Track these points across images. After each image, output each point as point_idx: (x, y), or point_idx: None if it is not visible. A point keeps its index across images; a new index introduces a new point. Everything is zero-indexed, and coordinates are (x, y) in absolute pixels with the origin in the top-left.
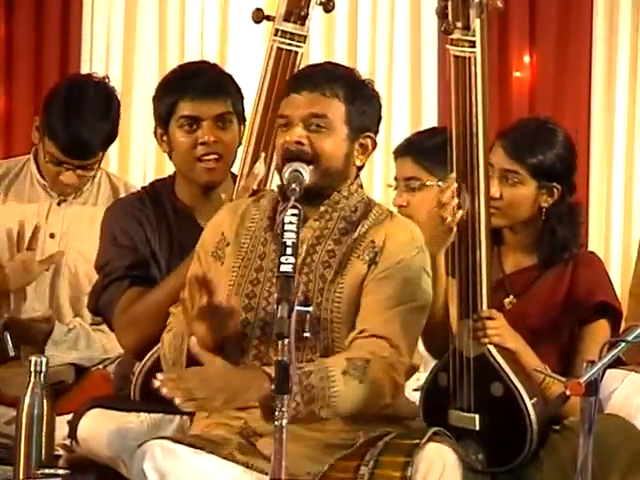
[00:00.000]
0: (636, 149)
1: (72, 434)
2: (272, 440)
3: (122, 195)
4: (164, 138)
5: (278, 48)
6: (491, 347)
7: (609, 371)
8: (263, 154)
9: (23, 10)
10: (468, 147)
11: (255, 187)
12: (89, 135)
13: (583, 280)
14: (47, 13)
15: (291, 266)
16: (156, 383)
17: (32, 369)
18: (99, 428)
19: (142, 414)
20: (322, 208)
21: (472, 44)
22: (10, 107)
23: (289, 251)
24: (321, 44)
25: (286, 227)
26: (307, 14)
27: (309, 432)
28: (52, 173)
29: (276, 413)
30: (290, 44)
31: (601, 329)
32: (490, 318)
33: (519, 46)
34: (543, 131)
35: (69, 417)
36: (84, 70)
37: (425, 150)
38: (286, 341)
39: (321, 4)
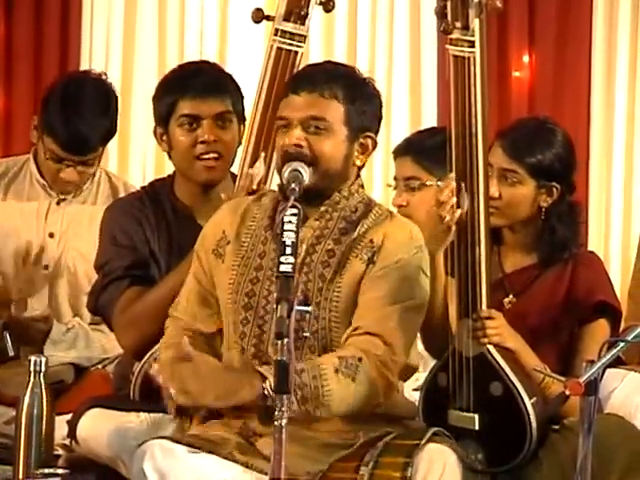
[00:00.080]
0: (636, 148)
1: (72, 434)
2: (271, 440)
3: (121, 194)
4: (164, 137)
5: (278, 48)
6: (490, 347)
7: (609, 371)
8: (263, 153)
9: (23, 10)
10: (467, 147)
11: (255, 187)
12: (88, 130)
13: (583, 280)
14: (47, 13)
15: (290, 266)
16: (153, 369)
17: (31, 369)
18: (99, 428)
19: (142, 414)
20: (322, 208)
21: (471, 44)
22: (10, 107)
23: (288, 251)
24: (321, 44)
25: (285, 227)
26: (307, 14)
27: (309, 432)
28: (53, 171)
29: (276, 413)
30: (290, 44)
31: (600, 329)
32: (489, 318)
33: (518, 46)
34: (542, 131)
35: (69, 417)
36: None
37: (425, 150)
38: (285, 341)
39: (321, 4)
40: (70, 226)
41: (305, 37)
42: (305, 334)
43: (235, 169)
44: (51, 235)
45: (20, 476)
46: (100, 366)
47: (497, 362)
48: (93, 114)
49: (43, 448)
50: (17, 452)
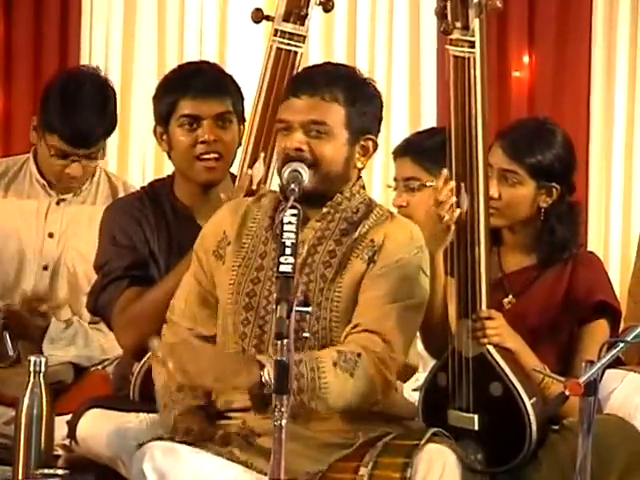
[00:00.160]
0: (635, 149)
1: (71, 434)
2: (271, 439)
3: (121, 194)
4: (164, 137)
5: (277, 48)
6: (490, 347)
7: (608, 371)
8: (262, 154)
9: (22, 10)
10: (467, 147)
11: (254, 187)
12: (91, 123)
13: (582, 280)
14: (46, 13)
15: (290, 266)
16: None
17: (31, 369)
18: (98, 428)
19: (141, 414)
20: (324, 210)
21: (471, 44)
22: (9, 107)
23: (288, 251)
24: (320, 44)
25: (285, 227)
26: (306, 14)
27: (308, 432)
28: (57, 169)
29: (275, 413)
30: (289, 44)
31: (600, 329)
32: (489, 318)
33: (518, 46)
34: (542, 131)
35: (68, 417)
36: None
37: (424, 150)
38: (285, 341)
39: (320, 4)
40: (70, 226)
41: (305, 37)
42: (305, 334)
43: (235, 169)
44: (51, 235)
45: (20, 476)
46: (100, 367)
47: (497, 362)
48: (94, 107)
49: (43, 448)
50: (17, 452)
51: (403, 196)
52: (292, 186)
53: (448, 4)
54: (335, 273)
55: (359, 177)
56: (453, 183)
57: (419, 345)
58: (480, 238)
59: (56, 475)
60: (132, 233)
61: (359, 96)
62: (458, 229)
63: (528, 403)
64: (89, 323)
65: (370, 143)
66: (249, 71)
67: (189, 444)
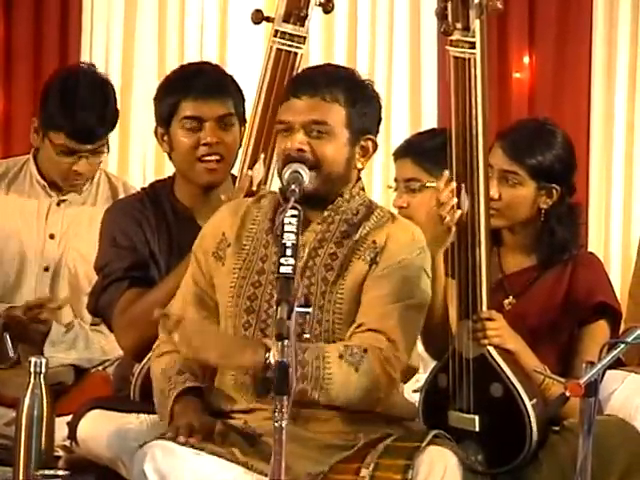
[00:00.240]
0: (636, 149)
1: (72, 435)
2: (271, 441)
3: (121, 195)
4: (165, 138)
5: (277, 49)
6: (491, 348)
7: (609, 372)
8: (262, 155)
9: (22, 10)
10: (468, 148)
11: (255, 188)
12: (94, 118)
13: (582, 281)
14: (46, 13)
15: (291, 267)
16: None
17: (31, 370)
18: (99, 429)
19: (142, 415)
20: (326, 213)
21: (472, 45)
22: (9, 108)
23: (289, 252)
24: (320, 45)
25: (286, 228)
26: (306, 15)
27: (308, 433)
28: (65, 167)
29: (275, 414)
30: (289, 45)
31: (600, 330)
32: (490, 319)
33: (519, 47)
34: (542, 132)
35: (69, 418)
36: None
37: (425, 151)
38: (286, 342)
39: (320, 5)
40: (70, 227)
41: (305, 38)
42: (306, 335)
43: (235, 170)
44: (51, 236)
45: (20, 477)
46: (100, 368)
47: (497, 363)
48: (95, 102)
49: (43, 449)
50: (17, 453)
51: (404, 197)
52: (293, 187)
53: (449, 5)
54: (337, 275)
55: (359, 178)
56: (454, 184)
57: (419, 346)
58: (481, 239)
59: (57, 476)
60: (132, 234)
61: (359, 97)
62: (459, 230)
63: (529, 404)
64: (90, 325)
65: (370, 143)
66: (249, 72)
67: (189, 445)
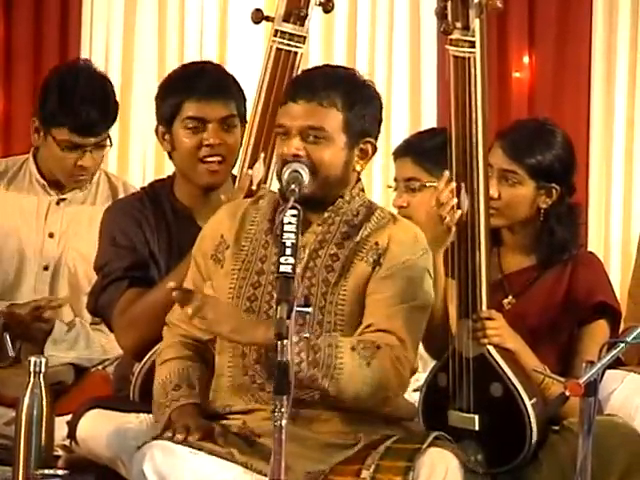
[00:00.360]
0: (635, 149)
1: (71, 435)
2: (271, 440)
3: (121, 194)
4: (166, 137)
5: (277, 49)
6: (490, 347)
7: (608, 372)
8: (262, 154)
9: (22, 10)
10: (467, 148)
11: (255, 187)
12: (95, 110)
13: (582, 280)
14: (46, 13)
15: (290, 266)
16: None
17: (31, 369)
18: (98, 429)
19: (141, 415)
20: (326, 214)
21: (471, 44)
22: (9, 108)
23: (288, 251)
24: (320, 45)
25: (285, 228)
26: (306, 15)
27: (308, 432)
28: (70, 162)
29: (275, 413)
30: (289, 45)
31: (600, 329)
32: (489, 318)
33: (518, 46)
34: (542, 132)
35: (68, 418)
36: None
37: (425, 151)
38: (285, 341)
39: (320, 5)
40: (70, 226)
41: (305, 38)
42: (305, 335)
43: (235, 170)
44: (51, 235)
45: (20, 477)
46: (100, 367)
47: (497, 363)
48: (95, 95)
49: (43, 449)
50: (17, 453)
51: (403, 197)
52: (292, 186)
53: (448, 4)
54: (338, 276)
55: (358, 179)
56: (454, 184)
57: (419, 346)
58: (480, 238)
59: (56, 475)
60: (132, 234)
61: (358, 99)
62: (458, 230)
63: (528, 404)
64: (90, 324)
65: (369, 146)
66: (249, 71)
67: (189, 445)
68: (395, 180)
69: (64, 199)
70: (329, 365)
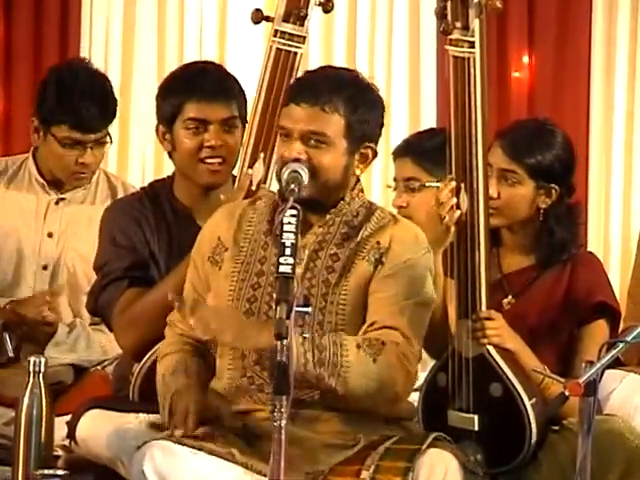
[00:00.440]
0: (635, 149)
1: (71, 435)
2: (271, 441)
3: (120, 194)
4: (167, 137)
5: (277, 49)
6: (490, 347)
7: (608, 372)
8: (262, 154)
9: (22, 10)
10: (467, 147)
11: (254, 187)
12: (95, 107)
13: (582, 280)
14: (46, 13)
15: (290, 267)
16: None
17: (31, 369)
18: (98, 429)
19: (141, 415)
20: (328, 216)
21: (471, 44)
22: (9, 108)
23: (288, 252)
24: (320, 45)
25: (285, 228)
26: (306, 15)
27: (308, 433)
28: (71, 161)
29: (275, 414)
30: (289, 45)
31: (600, 329)
32: (489, 318)
33: (518, 46)
34: (542, 132)
35: (68, 418)
36: None
37: (424, 151)
38: (285, 341)
39: (320, 5)
40: (69, 226)
41: (304, 38)
42: (305, 335)
43: (235, 170)
44: (50, 235)
45: (19, 477)
46: (100, 367)
47: (497, 363)
48: (93, 92)
49: (42, 449)
50: (16, 453)
51: (403, 196)
52: (292, 186)
53: (448, 4)
54: (339, 277)
55: (357, 181)
56: (454, 184)
57: None
58: (480, 238)
59: (56, 476)
60: (132, 234)
61: (361, 103)
62: (458, 230)
63: (528, 404)
64: (90, 324)
65: (369, 151)
66: (249, 71)
67: (189, 445)
68: (395, 180)
69: (63, 199)
70: (335, 364)
